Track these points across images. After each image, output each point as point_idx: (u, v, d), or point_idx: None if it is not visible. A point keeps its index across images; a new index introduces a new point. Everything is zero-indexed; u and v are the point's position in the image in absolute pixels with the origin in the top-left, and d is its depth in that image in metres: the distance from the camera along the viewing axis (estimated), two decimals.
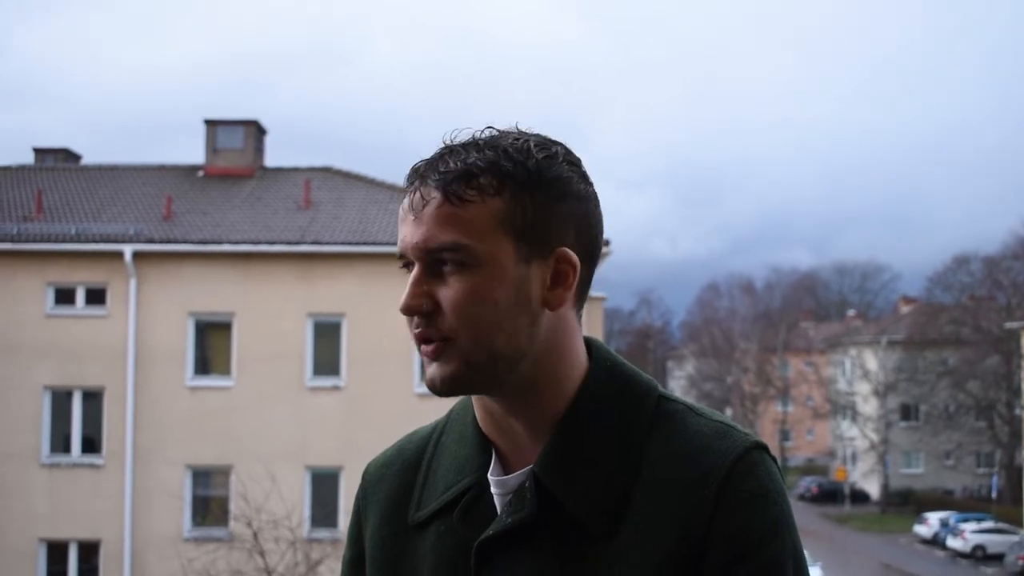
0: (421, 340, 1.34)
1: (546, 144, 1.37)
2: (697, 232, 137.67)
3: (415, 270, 1.33)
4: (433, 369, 1.34)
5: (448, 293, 1.31)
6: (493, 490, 1.40)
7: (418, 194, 1.32)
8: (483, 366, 1.32)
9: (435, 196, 1.31)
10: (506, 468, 1.41)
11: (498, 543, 1.35)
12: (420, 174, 1.33)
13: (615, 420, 1.37)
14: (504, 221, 1.31)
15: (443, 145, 1.36)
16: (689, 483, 1.31)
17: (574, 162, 1.39)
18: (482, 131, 1.37)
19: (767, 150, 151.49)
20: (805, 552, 1.34)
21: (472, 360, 1.32)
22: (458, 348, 1.32)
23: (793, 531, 1.33)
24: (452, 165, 1.31)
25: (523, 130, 1.39)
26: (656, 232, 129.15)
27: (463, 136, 1.36)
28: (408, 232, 1.33)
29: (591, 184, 1.40)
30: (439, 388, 1.34)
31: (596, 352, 1.43)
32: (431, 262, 1.32)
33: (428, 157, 1.35)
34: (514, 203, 1.31)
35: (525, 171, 1.32)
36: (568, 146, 1.41)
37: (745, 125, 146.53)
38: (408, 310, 1.33)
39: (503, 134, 1.37)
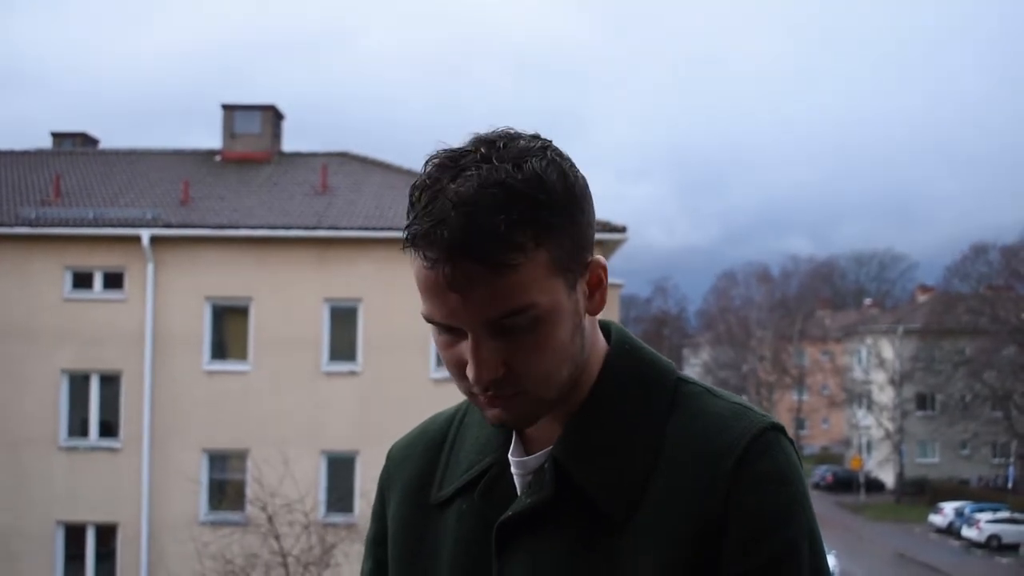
0: (490, 402, 1.32)
1: (553, 161, 1.28)
2: (699, 220, 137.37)
3: (472, 339, 1.27)
4: (498, 413, 1.32)
5: (519, 354, 1.28)
6: (513, 470, 1.40)
7: (450, 269, 1.23)
8: (552, 400, 1.34)
9: (478, 269, 1.22)
10: (528, 448, 1.41)
11: (519, 523, 1.36)
12: (442, 245, 1.23)
13: (634, 403, 1.37)
14: (552, 267, 1.27)
15: (432, 167, 1.29)
16: (705, 463, 1.30)
17: (567, 158, 1.33)
18: (473, 148, 1.28)
19: (769, 138, 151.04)
20: None
21: (545, 399, 1.33)
22: (529, 394, 1.31)
23: (809, 512, 1.34)
24: (475, 231, 1.21)
25: (510, 132, 1.32)
26: (662, 219, 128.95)
27: (454, 159, 1.28)
28: (453, 306, 1.25)
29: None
30: (510, 427, 1.37)
31: (615, 336, 1.44)
32: (491, 329, 1.27)
33: (433, 213, 1.24)
34: (555, 246, 1.27)
35: (553, 212, 1.26)
36: (546, 137, 1.34)
37: (749, 112, 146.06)
38: (485, 385, 1.29)
39: (500, 155, 1.26)
